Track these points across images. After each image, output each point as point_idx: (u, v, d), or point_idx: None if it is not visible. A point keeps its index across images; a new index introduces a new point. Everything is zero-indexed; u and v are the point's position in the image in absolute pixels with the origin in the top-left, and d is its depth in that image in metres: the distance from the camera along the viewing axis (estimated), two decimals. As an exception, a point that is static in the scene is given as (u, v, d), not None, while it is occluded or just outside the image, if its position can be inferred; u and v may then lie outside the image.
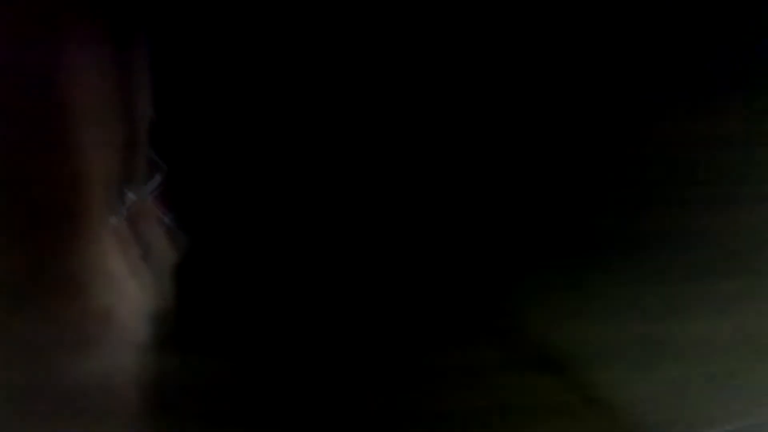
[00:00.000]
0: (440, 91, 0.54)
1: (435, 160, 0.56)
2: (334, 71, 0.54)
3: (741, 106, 0.60)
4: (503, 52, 0.54)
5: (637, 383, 0.58)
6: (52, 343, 0.47)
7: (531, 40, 0.54)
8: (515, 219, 0.58)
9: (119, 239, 0.51)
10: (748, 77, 0.58)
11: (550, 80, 0.55)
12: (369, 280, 0.57)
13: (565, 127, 0.57)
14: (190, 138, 0.57)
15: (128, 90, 0.49)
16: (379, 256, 0.57)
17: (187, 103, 0.56)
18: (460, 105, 0.55)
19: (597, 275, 0.59)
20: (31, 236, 0.46)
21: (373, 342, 0.57)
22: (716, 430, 0.57)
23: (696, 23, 0.56)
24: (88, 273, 0.47)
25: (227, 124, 0.57)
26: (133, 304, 0.51)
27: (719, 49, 0.58)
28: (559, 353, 0.58)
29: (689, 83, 0.58)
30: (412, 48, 0.53)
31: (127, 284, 0.50)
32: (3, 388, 0.47)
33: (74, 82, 0.46)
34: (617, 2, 0.55)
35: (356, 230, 0.57)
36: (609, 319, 0.59)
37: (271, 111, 0.56)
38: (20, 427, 0.47)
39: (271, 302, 0.57)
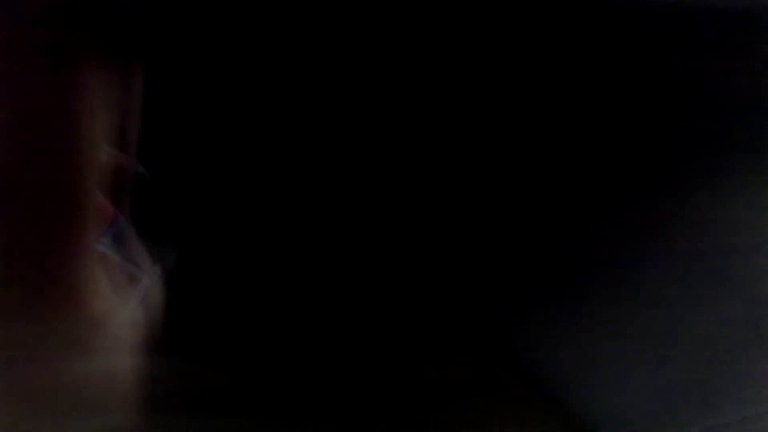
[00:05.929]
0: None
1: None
2: (327, 85, 0.53)
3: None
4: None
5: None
6: (48, 346, 0.50)
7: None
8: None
9: (108, 257, 0.55)
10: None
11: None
12: (368, 288, 0.57)
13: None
14: (178, 145, 0.58)
15: (122, 114, 0.53)
16: (379, 265, 0.57)
17: (177, 115, 0.57)
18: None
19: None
20: (31, 246, 0.50)
21: (371, 351, 0.57)
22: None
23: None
24: (84, 283, 0.50)
25: (216, 134, 0.57)
26: (125, 314, 0.53)
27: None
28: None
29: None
30: (412, 48, 0.52)
31: (119, 296, 0.53)
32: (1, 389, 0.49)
33: (76, 105, 0.49)
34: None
35: (353, 239, 0.56)
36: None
37: (264, 127, 0.56)
38: (17, 427, 0.49)
39: (265, 307, 0.58)
